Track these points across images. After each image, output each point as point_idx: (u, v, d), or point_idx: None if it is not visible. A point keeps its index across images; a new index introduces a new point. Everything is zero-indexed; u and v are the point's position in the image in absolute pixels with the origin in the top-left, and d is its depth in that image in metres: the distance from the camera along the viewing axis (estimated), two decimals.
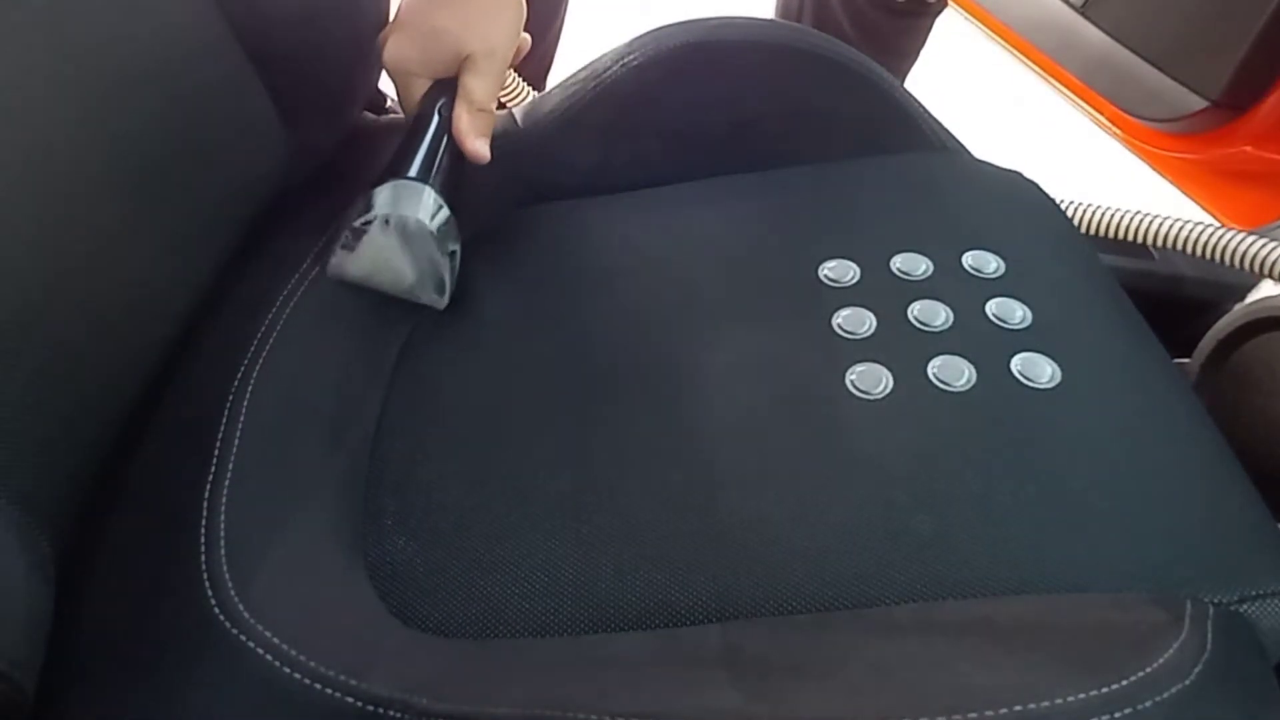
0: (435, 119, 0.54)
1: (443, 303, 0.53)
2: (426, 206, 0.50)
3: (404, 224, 0.50)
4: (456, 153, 0.54)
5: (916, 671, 0.34)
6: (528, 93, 0.76)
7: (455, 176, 0.54)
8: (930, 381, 0.45)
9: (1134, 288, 0.54)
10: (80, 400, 0.41)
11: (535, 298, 0.54)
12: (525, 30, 0.57)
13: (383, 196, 0.50)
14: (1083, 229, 0.67)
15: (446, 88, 0.54)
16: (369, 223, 0.50)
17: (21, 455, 0.37)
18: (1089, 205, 0.67)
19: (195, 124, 0.48)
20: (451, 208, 0.52)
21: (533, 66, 0.69)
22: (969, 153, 0.64)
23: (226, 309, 0.51)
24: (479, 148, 0.54)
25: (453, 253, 0.53)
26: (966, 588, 0.38)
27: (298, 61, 0.54)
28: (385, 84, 0.73)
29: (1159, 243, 0.64)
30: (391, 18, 0.58)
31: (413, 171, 0.51)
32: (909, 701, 0.31)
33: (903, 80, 1.14)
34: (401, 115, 0.73)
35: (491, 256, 0.57)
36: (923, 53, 1.14)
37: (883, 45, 1.06)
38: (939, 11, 1.07)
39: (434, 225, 0.50)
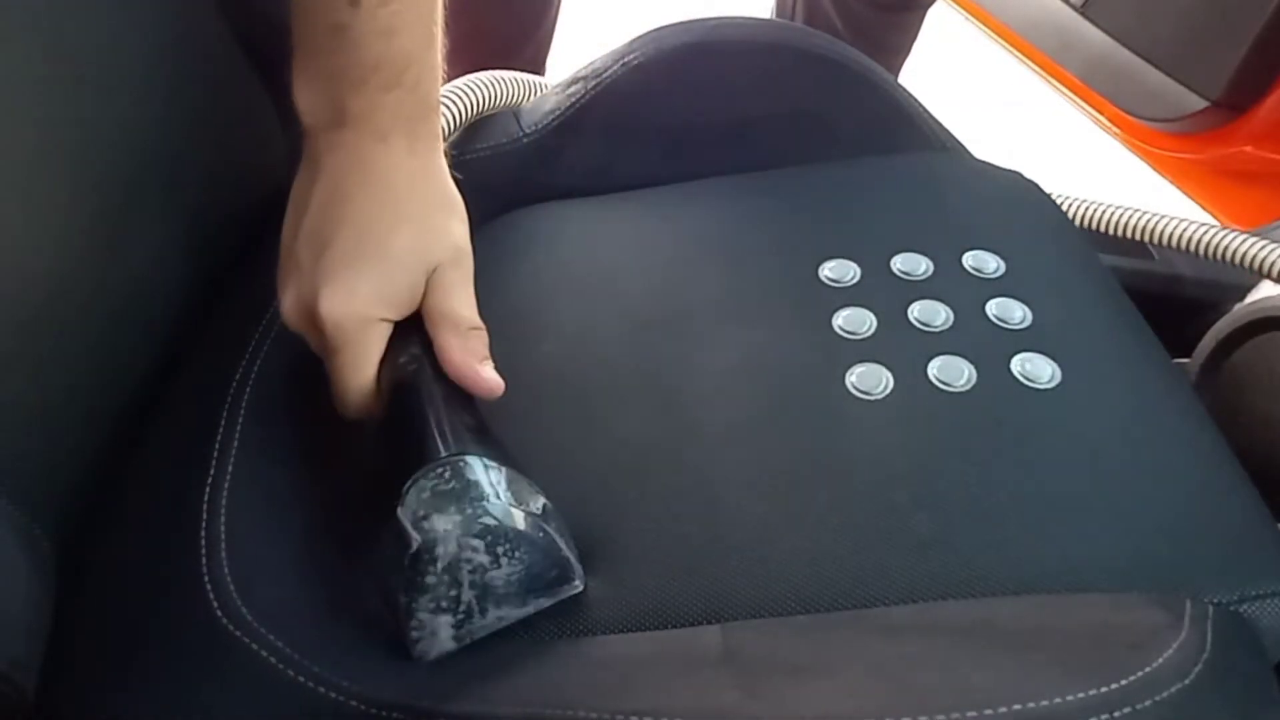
0: (429, 374, 0.41)
1: (581, 583, 0.38)
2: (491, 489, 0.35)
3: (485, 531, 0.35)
4: (464, 399, 0.41)
5: (916, 671, 0.34)
6: None
7: (477, 424, 0.40)
8: (930, 382, 0.45)
9: (1134, 288, 0.54)
10: (81, 400, 0.41)
11: (534, 298, 0.54)
12: (512, 32, 0.54)
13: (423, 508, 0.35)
14: (1080, 225, 0.67)
15: (410, 331, 0.42)
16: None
17: (23, 455, 0.37)
18: (1087, 202, 0.67)
19: (195, 125, 0.48)
20: (501, 462, 0.37)
21: (523, 67, 0.69)
22: (969, 153, 0.64)
23: (226, 309, 0.51)
24: (490, 377, 0.41)
25: (547, 509, 0.37)
26: (966, 588, 0.38)
27: None
28: None
29: (1157, 241, 0.64)
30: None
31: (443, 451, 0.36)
32: (909, 701, 0.31)
33: (896, 76, 1.15)
34: None
35: (491, 256, 0.57)
36: (922, 53, 1.15)
37: (873, 41, 1.06)
38: (928, 6, 1.07)
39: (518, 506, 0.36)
